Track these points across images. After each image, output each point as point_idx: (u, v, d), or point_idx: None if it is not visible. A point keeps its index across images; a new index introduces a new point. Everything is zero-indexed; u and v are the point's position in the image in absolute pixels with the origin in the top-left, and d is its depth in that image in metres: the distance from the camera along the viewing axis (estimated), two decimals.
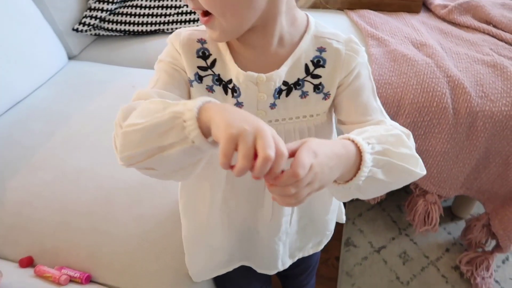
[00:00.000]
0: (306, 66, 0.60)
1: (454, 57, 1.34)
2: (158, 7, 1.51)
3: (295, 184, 0.43)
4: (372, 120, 0.61)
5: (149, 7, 1.51)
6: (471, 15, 1.52)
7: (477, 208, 1.53)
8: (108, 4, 1.48)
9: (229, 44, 0.60)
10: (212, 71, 0.61)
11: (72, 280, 0.82)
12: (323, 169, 0.46)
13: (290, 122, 0.63)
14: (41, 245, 0.87)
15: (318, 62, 0.61)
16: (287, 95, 0.61)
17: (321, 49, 0.61)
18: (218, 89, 0.61)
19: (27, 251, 0.87)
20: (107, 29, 1.51)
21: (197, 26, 0.67)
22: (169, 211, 0.88)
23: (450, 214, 1.59)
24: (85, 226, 0.87)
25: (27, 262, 0.86)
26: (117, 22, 1.51)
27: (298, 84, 0.61)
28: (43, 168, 0.99)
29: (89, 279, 0.83)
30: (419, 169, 0.57)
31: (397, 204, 1.64)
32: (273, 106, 0.61)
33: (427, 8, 1.64)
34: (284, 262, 0.82)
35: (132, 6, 1.51)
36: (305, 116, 0.63)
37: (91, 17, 1.47)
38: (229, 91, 0.61)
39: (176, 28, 1.47)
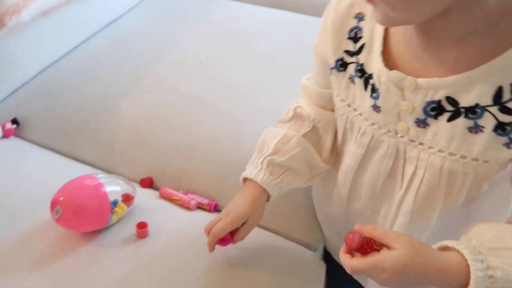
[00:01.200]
0: (499, 90, 0.41)
1: None
2: None
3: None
4: None
5: None
6: None
7: None
8: None
9: (387, 31, 0.48)
10: (357, 59, 0.51)
11: (199, 207, 0.78)
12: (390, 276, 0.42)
13: (440, 156, 0.47)
14: (161, 167, 0.83)
15: None
16: (449, 119, 0.45)
17: None
18: (359, 82, 0.51)
19: (146, 171, 0.83)
20: None
21: None
22: None
23: None
24: (210, 153, 0.83)
25: (148, 183, 0.82)
26: None
27: (474, 111, 0.43)
28: (155, 91, 0.94)
29: (216, 208, 0.79)
30: None
31: None
32: (422, 124, 0.47)
33: None
34: None
35: None
36: (465, 157, 0.46)
37: None
38: (369, 87, 0.50)
39: None
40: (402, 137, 0.50)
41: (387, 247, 0.43)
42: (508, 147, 0.44)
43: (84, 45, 1.10)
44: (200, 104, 0.91)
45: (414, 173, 0.51)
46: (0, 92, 0.95)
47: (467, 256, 0.40)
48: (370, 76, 0.49)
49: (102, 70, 1.01)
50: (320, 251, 0.80)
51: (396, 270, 0.41)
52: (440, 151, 0.47)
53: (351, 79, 0.52)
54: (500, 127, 0.43)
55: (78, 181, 0.67)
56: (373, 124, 0.52)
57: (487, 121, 0.43)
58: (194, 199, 0.77)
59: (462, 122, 0.44)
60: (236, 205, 0.60)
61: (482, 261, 0.39)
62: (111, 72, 1.00)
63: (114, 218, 0.68)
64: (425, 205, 0.52)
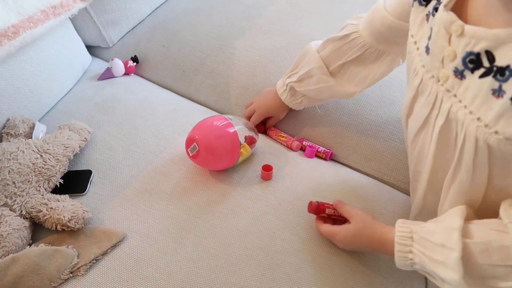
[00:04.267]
0: None
1: None
2: None
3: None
4: None
5: None
6: None
7: None
8: None
9: None
10: None
11: (316, 155, 0.78)
12: (344, 243, 0.60)
13: (464, 112, 0.45)
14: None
15: None
16: (482, 75, 0.42)
17: None
18: (431, 21, 0.48)
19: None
20: None
21: None
22: None
23: None
24: (328, 103, 0.81)
25: (261, 129, 0.84)
26: None
27: (503, 72, 0.40)
28: (273, 32, 0.92)
29: (331, 156, 0.79)
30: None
31: None
32: (459, 74, 0.45)
33: None
34: None
35: None
36: (480, 120, 0.43)
37: None
38: (431, 29, 0.47)
39: None
40: (442, 85, 0.48)
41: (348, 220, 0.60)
42: None
43: None
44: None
45: (442, 127, 0.49)
46: (119, 29, 0.98)
47: (396, 238, 0.52)
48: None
49: (215, 9, 1.01)
50: None
51: (347, 240, 0.59)
52: (465, 107, 0.45)
53: (428, 16, 0.49)
54: None
55: (210, 120, 0.69)
56: (423, 66, 0.51)
57: (510, 87, 0.40)
58: (297, 141, 0.78)
59: (489, 81, 0.42)
60: (265, 104, 0.81)
61: (407, 245, 0.51)
62: (225, 11, 1.00)
63: (240, 159, 0.70)
64: (445, 161, 0.51)
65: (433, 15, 0.47)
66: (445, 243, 0.47)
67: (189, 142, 0.67)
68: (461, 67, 0.44)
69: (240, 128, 0.70)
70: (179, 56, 0.94)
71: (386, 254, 0.54)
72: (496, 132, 0.42)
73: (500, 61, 0.40)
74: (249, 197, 0.67)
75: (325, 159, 0.79)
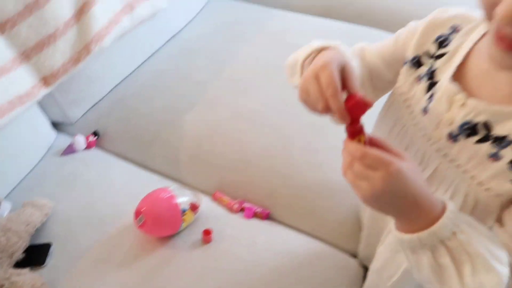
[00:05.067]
0: None
1: None
2: None
3: (360, 163, 0.41)
4: None
5: None
6: None
7: None
8: None
9: (472, 50, 0.50)
10: (433, 63, 0.54)
11: (254, 215, 0.89)
12: (389, 187, 0.40)
13: (455, 171, 0.50)
14: (222, 178, 0.94)
15: None
16: (477, 141, 0.47)
17: None
18: (424, 84, 0.54)
19: (208, 181, 0.95)
20: None
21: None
22: None
23: None
24: (265, 166, 0.93)
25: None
26: None
27: (501, 141, 0.45)
28: (218, 105, 1.05)
29: (268, 216, 0.90)
30: None
31: None
32: (453, 138, 0.50)
33: None
34: None
35: None
36: (474, 178, 0.48)
37: None
38: (430, 92, 0.53)
39: None
40: (432, 145, 0.53)
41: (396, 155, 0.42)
42: None
43: (151, 59, 1.22)
44: (256, 119, 1.01)
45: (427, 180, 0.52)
46: (81, 107, 1.09)
47: (448, 208, 0.41)
48: (436, 83, 0.52)
49: (168, 84, 1.13)
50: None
51: (393, 178, 0.40)
52: (458, 166, 0.50)
53: (418, 79, 0.55)
54: None
55: (155, 194, 0.79)
56: (415, 125, 0.55)
57: (508, 153, 0.45)
58: (237, 204, 0.88)
59: (486, 147, 0.46)
60: (317, 60, 0.50)
61: (454, 223, 0.41)
62: (176, 86, 1.12)
63: (184, 225, 0.80)
64: None
65: (427, 80, 0.53)
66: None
67: (137, 213, 0.77)
68: (456, 132, 0.49)
69: (183, 199, 0.81)
70: (136, 129, 1.05)
71: (413, 215, 0.42)
72: (487, 189, 0.46)
73: (498, 131, 0.45)
74: (191, 260, 0.77)
75: (262, 218, 0.89)
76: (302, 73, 0.54)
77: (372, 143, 0.43)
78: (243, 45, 1.24)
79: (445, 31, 0.54)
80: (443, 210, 0.42)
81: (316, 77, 0.45)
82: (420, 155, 0.55)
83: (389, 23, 1.30)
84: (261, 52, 1.21)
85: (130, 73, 1.17)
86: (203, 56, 1.21)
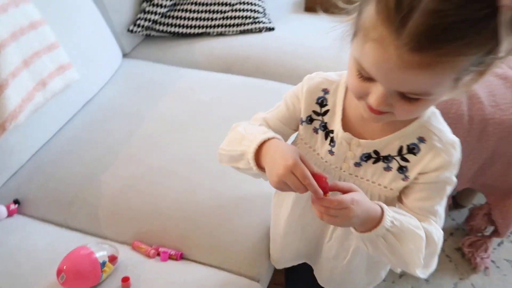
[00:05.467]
0: (401, 148, 0.67)
1: None
2: (205, 11, 1.66)
3: (333, 209, 0.59)
4: (421, 216, 0.67)
5: (197, 11, 1.66)
6: None
7: (478, 199, 1.75)
8: (160, 7, 1.62)
9: (345, 103, 0.70)
10: (322, 118, 0.73)
11: (169, 257, 1.02)
12: (354, 215, 0.59)
13: (367, 183, 0.72)
14: (139, 229, 1.07)
15: (413, 149, 0.66)
16: (374, 162, 0.69)
17: (421, 139, 0.65)
18: (321, 133, 0.74)
19: (127, 233, 1.06)
20: (158, 30, 1.67)
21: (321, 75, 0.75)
22: (247, 203, 1.08)
23: (454, 202, 1.82)
24: (176, 214, 1.07)
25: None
26: (167, 24, 1.66)
27: (387, 158, 0.68)
28: (131, 162, 1.18)
29: (182, 256, 1.03)
30: (418, 271, 0.65)
31: None
32: (358, 165, 0.71)
33: None
34: (330, 283, 0.97)
35: (181, 10, 1.66)
36: (380, 185, 0.71)
37: (145, 19, 1.62)
38: (329, 139, 0.73)
39: (221, 32, 1.65)
40: (344, 171, 0.74)
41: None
42: (404, 180, 0.69)
43: (67, 126, 1.32)
44: (166, 171, 1.15)
45: None
46: (1, 177, 1.17)
47: (385, 208, 0.62)
48: (331, 131, 0.72)
49: (85, 148, 1.24)
50: (264, 281, 1.04)
51: (355, 209, 0.58)
52: (367, 180, 0.72)
53: (314, 130, 0.74)
54: (400, 169, 0.68)
55: (76, 252, 0.90)
56: (326, 162, 0.75)
57: (394, 165, 0.68)
58: (153, 250, 1.01)
59: (381, 164, 0.69)
60: (274, 160, 0.62)
61: (390, 215, 0.62)
62: (92, 149, 1.23)
63: (104, 276, 0.91)
64: None
65: (323, 130, 0.72)
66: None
67: (58, 272, 0.87)
68: (359, 161, 0.70)
69: (102, 253, 0.92)
70: (56, 193, 1.14)
71: (367, 222, 0.62)
72: (391, 189, 0.70)
73: (383, 153, 0.68)
74: None
75: (177, 259, 1.02)
76: (256, 162, 0.65)
77: (331, 188, 0.62)
78: (154, 104, 1.39)
79: (320, 93, 0.72)
80: (382, 210, 0.62)
81: (291, 173, 0.58)
82: (336, 179, 0.74)
83: (282, 75, 1.55)
84: (170, 109, 1.37)
85: (47, 141, 1.27)
86: (116, 118, 1.35)
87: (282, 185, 0.60)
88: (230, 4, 1.67)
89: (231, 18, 1.67)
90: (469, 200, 1.81)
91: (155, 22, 1.64)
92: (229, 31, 1.69)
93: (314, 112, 0.74)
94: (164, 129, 1.29)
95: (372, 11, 0.50)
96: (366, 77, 0.55)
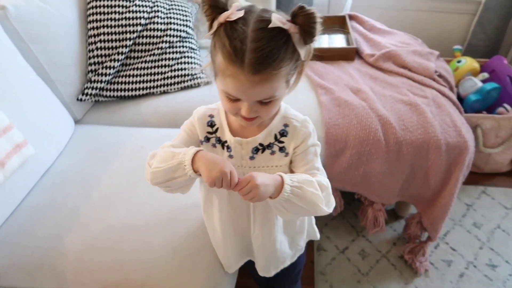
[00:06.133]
0: (275, 135, 0.91)
1: (382, 99, 1.77)
2: (147, 74, 1.83)
3: (244, 188, 0.80)
4: (310, 174, 0.89)
5: (139, 75, 1.83)
6: (392, 61, 1.97)
7: (413, 209, 1.97)
8: (104, 76, 1.78)
9: (228, 120, 0.92)
10: (215, 135, 0.94)
11: None
12: (258, 183, 0.79)
13: (264, 169, 0.93)
14: (103, 282, 1.18)
15: (283, 133, 0.91)
16: (262, 152, 0.92)
17: (285, 125, 0.91)
18: (219, 146, 0.94)
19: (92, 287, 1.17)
20: (106, 96, 1.82)
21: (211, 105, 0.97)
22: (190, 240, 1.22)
23: (394, 214, 2.03)
24: (135, 266, 1.19)
25: None
26: (113, 90, 1.82)
27: (269, 146, 0.91)
28: (91, 222, 1.30)
29: None
30: (325, 206, 0.86)
31: (354, 212, 2.05)
32: (252, 158, 0.93)
33: (359, 56, 2.07)
34: (268, 270, 1.16)
35: (125, 76, 1.83)
36: (273, 166, 0.94)
37: (92, 88, 1.77)
38: (225, 148, 0.93)
39: (164, 91, 1.83)
40: (244, 167, 0.94)
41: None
42: (286, 156, 0.92)
43: (29, 196, 1.42)
44: (122, 227, 1.28)
45: None
46: None
47: (282, 174, 0.84)
48: (225, 142, 0.92)
49: (46, 215, 1.34)
50: None
51: (259, 174, 0.80)
52: (263, 167, 0.93)
53: (213, 145, 0.95)
54: (280, 149, 0.92)
55: None
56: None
57: (276, 148, 0.92)
58: None
59: (267, 151, 0.92)
60: (213, 163, 0.82)
61: (288, 178, 0.83)
62: (54, 215, 1.33)
63: None
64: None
65: (219, 143, 0.93)
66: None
67: None
68: (251, 155, 0.91)
69: None
70: (22, 261, 1.23)
71: (276, 188, 0.82)
72: (281, 166, 0.93)
73: (265, 143, 0.90)
74: None
75: None
76: (193, 167, 0.84)
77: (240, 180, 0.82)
78: (108, 165, 1.52)
79: (208, 118, 0.93)
80: (281, 177, 0.83)
81: (222, 176, 0.79)
82: (241, 175, 0.89)
83: None
84: (123, 168, 1.50)
85: (10, 214, 1.36)
86: (74, 181, 1.46)
87: (217, 180, 0.79)
88: (168, 66, 1.85)
89: (171, 77, 1.85)
90: (406, 211, 2.02)
91: (101, 89, 1.79)
92: (171, 89, 1.86)
93: (208, 132, 0.94)
94: (119, 187, 1.42)
95: (221, 58, 0.75)
96: (233, 99, 0.79)
